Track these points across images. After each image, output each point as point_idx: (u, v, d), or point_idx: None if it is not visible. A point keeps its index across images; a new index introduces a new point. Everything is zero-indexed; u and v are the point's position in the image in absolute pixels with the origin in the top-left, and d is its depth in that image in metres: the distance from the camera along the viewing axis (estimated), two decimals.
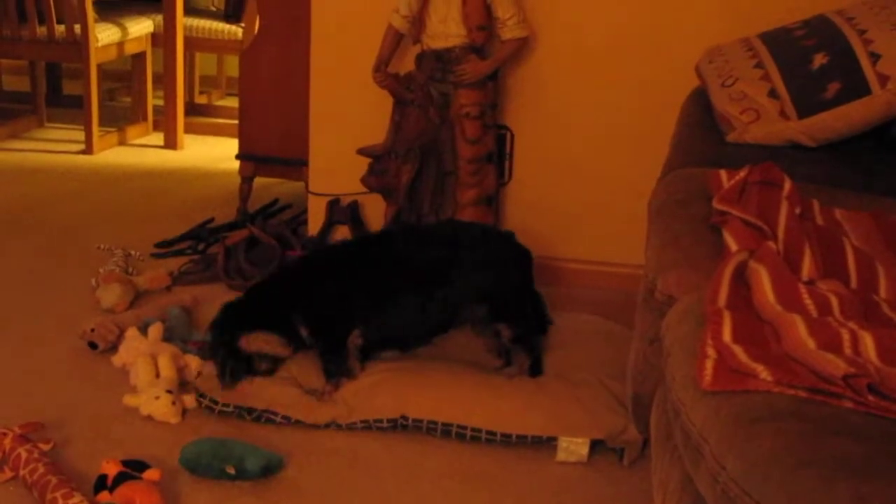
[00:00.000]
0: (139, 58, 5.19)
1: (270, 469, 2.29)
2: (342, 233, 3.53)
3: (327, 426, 2.50)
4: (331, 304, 2.58)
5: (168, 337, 2.80)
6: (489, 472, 2.37)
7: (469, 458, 2.42)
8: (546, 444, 2.43)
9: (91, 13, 4.68)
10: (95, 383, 2.68)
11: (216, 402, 2.51)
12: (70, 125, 5.20)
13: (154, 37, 5.13)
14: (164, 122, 5.05)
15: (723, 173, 2.11)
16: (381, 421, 2.49)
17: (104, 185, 4.44)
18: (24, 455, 2.20)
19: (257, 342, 2.56)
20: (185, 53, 5.10)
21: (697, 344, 1.51)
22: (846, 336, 1.48)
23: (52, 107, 5.39)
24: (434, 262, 2.59)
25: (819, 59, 2.54)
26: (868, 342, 1.46)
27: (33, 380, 2.69)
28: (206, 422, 2.50)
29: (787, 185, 2.01)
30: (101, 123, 4.92)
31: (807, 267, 1.76)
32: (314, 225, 3.59)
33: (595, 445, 2.42)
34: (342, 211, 3.51)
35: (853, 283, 1.75)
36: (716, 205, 1.98)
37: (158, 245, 3.65)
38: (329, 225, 3.54)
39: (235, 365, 2.54)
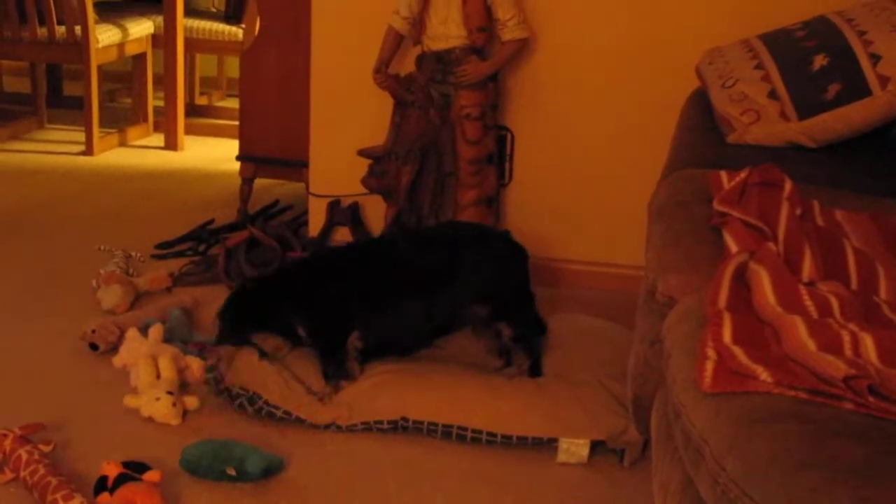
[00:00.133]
0: (140, 59, 5.20)
1: (271, 470, 2.29)
2: (343, 234, 3.53)
3: (327, 427, 2.50)
4: (329, 306, 2.58)
5: (169, 338, 2.80)
6: (490, 474, 2.37)
7: (469, 460, 2.42)
8: (546, 445, 2.44)
9: (91, 14, 4.68)
10: (96, 384, 2.68)
11: (221, 380, 2.52)
12: (70, 126, 5.20)
13: (154, 38, 5.13)
14: (164, 124, 5.05)
15: (723, 174, 2.11)
16: (381, 422, 2.49)
17: (105, 186, 4.44)
18: (24, 456, 2.20)
19: (260, 339, 2.61)
20: (186, 54, 5.10)
21: (698, 345, 1.51)
22: (846, 337, 1.48)
23: (52, 108, 5.39)
24: (434, 264, 2.60)
25: (819, 61, 2.54)
26: (868, 343, 1.46)
27: (34, 381, 2.69)
28: (206, 423, 2.51)
29: (788, 186, 2.01)
30: (102, 125, 4.93)
31: (807, 268, 1.76)
32: (315, 226, 3.60)
33: (595, 446, 2.42)
34: (343, 212, 3.51)
35: (853, 285, 1.75)
36: (716, 206, 1.98)
37: (159, 246, 3.65)
38: (329, 226, 3.54)
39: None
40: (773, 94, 2.57)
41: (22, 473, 2.18)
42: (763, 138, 2.54)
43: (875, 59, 2.47)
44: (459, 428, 2.46)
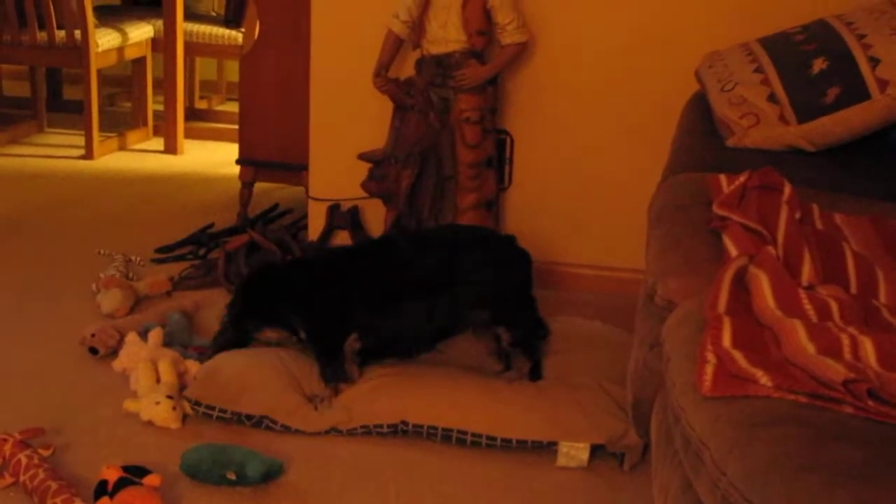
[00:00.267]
0: (139, 63, 5.20)
1: (271, 475, 2.29)
2: (342, 238, 3.53)
3: (327, 432, 2.50)
4: (328, 308, 2.58)
5: (168, 342, 2.80)
6: (489, 478, 2.37)
7: (469, 464, 2.42)
8: (546, 448, 2.43)
9: (91, 18, 4.69)
10: (96, 389, 2.68)
11: (213, 409, 2.51)
12: (70, 130, 5.20)
13: (154, 42, 5.14)
14: (164, 127, 5.06)
15: (722, 178, 2.11)
16: (381, 426, 2.49)
17: (104, 190, 4.44)
18: (24, 461, 2.20)
19: (264, 335, 2.65)
20: (186, 58, 5.10)
21: (697, 349, 1.51)
22: (846, 341, 1.48)
23: (52, 112, 5.39)
24: (436, 267, 2.60)
25: (819, 64, 2.54)
26: (868, 347, 1.46)
27: (34, 385, 2.69)
28: (206, 427, 2.50)
29: (787, 189, 2.01)
30: (102, 128, 4.93)
31: (806, 272, 1.76)
32: (314, 230, 3.60)
33: (595, 450, 2.42)
34: (342, 216, 3.51)
35: (853, 288, 1.75)
36: (716, 209, 1.98)
37: (159, 250, 3.65)
38: (329, 230, 3.55)
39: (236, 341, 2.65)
40: (772, 98, 2.57)
41: (21, 478, 2.18)
42: (762, 142, 2.55)
43: (874, 62, 2.47)
44: (459, 431, 2.46)
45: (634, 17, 3.26)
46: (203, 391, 2.53)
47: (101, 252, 3.56)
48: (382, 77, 3.20)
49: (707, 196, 2.09)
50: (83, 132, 4.85)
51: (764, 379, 1.38)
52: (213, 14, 5.48)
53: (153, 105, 5.25)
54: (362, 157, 3.28)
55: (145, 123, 5.26)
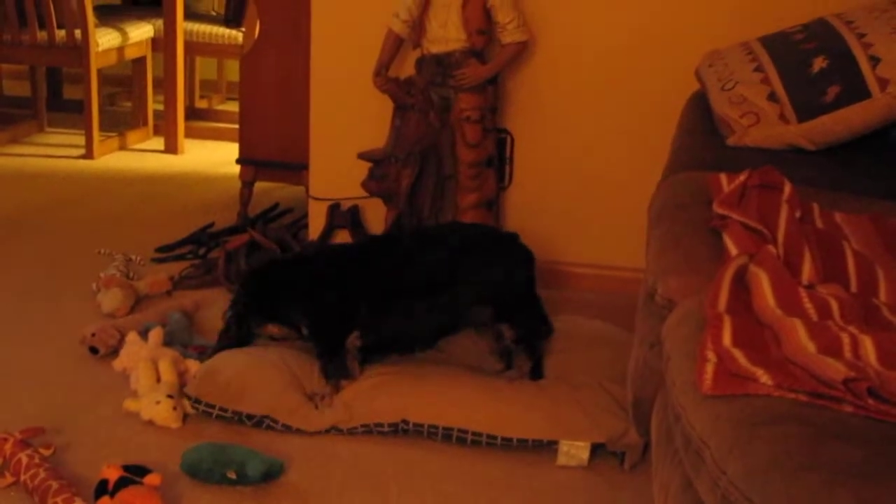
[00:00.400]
0: (139, 62, 5.20)
1: (271, 474, 2.29)
2: (343, 237, 3.53)
3: (328, 432, 2.50)
4: (330, 305, 2.58)
5: (169, 341, 2.80)
6: (490, 477, 2.37)
7: (470, 463, 2.42)
8: (547, 447, 2.44)
9: (91, 18, 4.69)
10: (96, 388, 2.68)
11: (213, 407, 2.51)
12: (70, 130, 5.21)
13: (154, 41, 5.14)
14: (164, 127, 5.06)
15: (723, 177, 2.11)
16: (381, 425, 2.49)
17: (105, 189, 4.44)
18: (24, 460, 2.20)
19: (267, 331, 2.66)
20: (186, 58, 5.10)
21: (698, 348, 1.51)
22: (846, 340, 1.48)
23: (52, 111, 5.39)
24: (438, 265, 2.60)
25: (819, 63, 2.54)
26: (868, 346, 1.46)
27: (34, 384, 2.69)
28: (206, 427, 2.50)
29: (787, 188, 2.01)
30: (102, 128, 4.93)
31: (807, 271, 1.76)
32: (315, 229, 3.60)
33: (596, 449, 2.42)
34: (343, 215, 3.51)
35: (853, 287, 1.75)
36: (716, 208, 1.98)
37: (159, 249, 3.65)
38: (330, 229, 3.55)
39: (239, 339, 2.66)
40: (772, 97, 2.57)
41: (22, 477, 2.18)
42: (762, 141, 2.55)
43: (874, 61, 2.47)
44: (460, 430, 2.46)
45: (635, 16, 3.26)
46: (203, 389, 2.53)
47: (102, 251, 3.56)
48: (382, 76, 3.20)
49: (707, 195, 2.09)
50: (83, 132, 4.85)
51: (764, 378, 1.38)
52: (214, 13, 5.48)
53: (153, 104, 5.26)
54: (362, 156, 3.28)
55: (145, 123, 5.26)
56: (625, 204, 3.31)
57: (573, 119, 3.36)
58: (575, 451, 2.41)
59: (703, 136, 2.65)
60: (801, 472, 1.20)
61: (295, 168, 3.80)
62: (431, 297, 2.57)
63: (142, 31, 5.07)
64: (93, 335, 2.83)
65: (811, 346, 1.45)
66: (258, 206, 4.04)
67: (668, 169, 2.50)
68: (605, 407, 2.46)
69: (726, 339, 1.52)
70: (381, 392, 2.52)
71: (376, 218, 3.43)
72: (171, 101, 4.97)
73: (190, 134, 5.16)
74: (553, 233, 3.43)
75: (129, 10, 5.40)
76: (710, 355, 1.48)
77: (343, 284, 2.61)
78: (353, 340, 2.57)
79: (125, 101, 5.81)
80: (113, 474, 2.13)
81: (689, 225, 2.02)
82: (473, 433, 2.45)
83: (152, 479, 2.15)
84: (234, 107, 4.62)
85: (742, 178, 2.05)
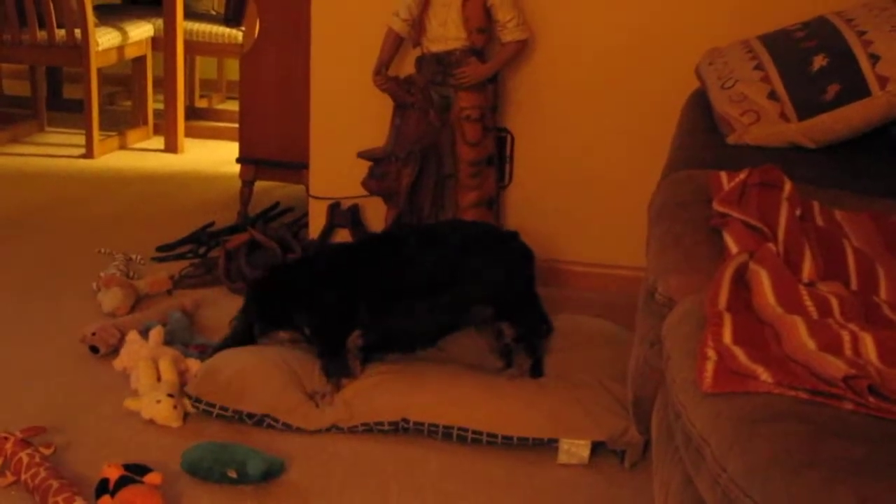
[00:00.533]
0: (139, 62, 5.20)
1: (272, 473, 2.29)
2: (343, 236, 3.53)
3: (328, 430, 2.50)
4: (331, 304, 2.58)
5: (169, 340, 2.80)
6: (490, 475, 2.37)
7: (470, 461, 2.42)
8: (547, 446, 2.44)
9: (91, 17, 4.69)
10: (97, 387, 2.68)
11: (213, 406, 2.51)
12: (71, 129, 5.21)
13: (154, 41, 5.14)
14: (164, 126, 5.06)
15: (723, 175, 2.11)
16: (382, 424, 2.49)
17: (105, 189, 4.44)
18: (25, 459, 2.20)
19: (277, 337, 2.67)
20: (186, 57, 5.10)
21: (698, 346, 1.51)
22: (847, 337, 1.48)
23: (52, 111, 5.39)
24: (439, 263, 2.60)
25: (819, 61, 2.54)
26: (869, 343, 1.46)
27: (35, 384, 2.69)
28: (207, 426, 2.51)
29: (788, 186, 2.01)
30: (102, 127, 4.93)
31: (807, 268, 1.76)
32: (315, 228, 3.60)
33: (596, 447, 2.42)
34: (343, 214, 3.51)
35: (853, 285, 1.75)
36: (716, 207, 1.98)
37: (159, 249, 3.65)
38: (330, 228, 3.55)
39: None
40: (772, 95, 2.57)
41: (23, 477, 2.18)
42: (763, 139, 2.55)
43: (874, 59, 2.47)
44: (460, 429, 2.46)
45: (635, 15, 3.26)
46: (204, 388, 2.53)
47: (102, 251, 3.57)
48: (383, 75, 3.20)
49: (707, 193, 2.09)
50: (83, 131, 4.85)
51: (764, 375, 1.38)
52: (213, 13, 5.48)
53: (153, 104, 5.26)
54: (362, 155, 3.28)
55: (145, 122, 5.26)
56: (625, 202, 3.31)
57: (573, 118, 3.36)
58: (575, 450, 2.41)
59: (703, 135, 2.64)
60: (801, 470, 1.20)
61: (295, 167, 3.80)
62: (432, 296, 2.58)
63: (142, 31, 5.07)
64: (93, 334, 2.83)
65: (811, 344, 1.45)
66: (258, 206, 4.04)
67: (668, 167, 2.49)
68: (606, 405, 2.46)
69: (727, 336, 1.52)
70: (382, 391, 2.53)
71: (376, 217, 3.43)
72: (171, 101, 4.97)
73: (190, 133, 5.16)
74: (553, 231, 3.43)
75: (128, 10, 5.40)
76: (711, 353, 1.48)
77: (343, 284, 2.61)
78: (355, 339, 2.57)
79: (125, 100, 5.81)
80: (114, 473, 2.14)
81: (689, 223, 2.02)
82: (474, 432, 2.46)
83: (153, 478, 2.16)
84: (234, 106, 4.62)
85: (742, 176, 2.05)
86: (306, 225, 3.70)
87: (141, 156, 4.99)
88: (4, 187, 4.37)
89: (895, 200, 2.17)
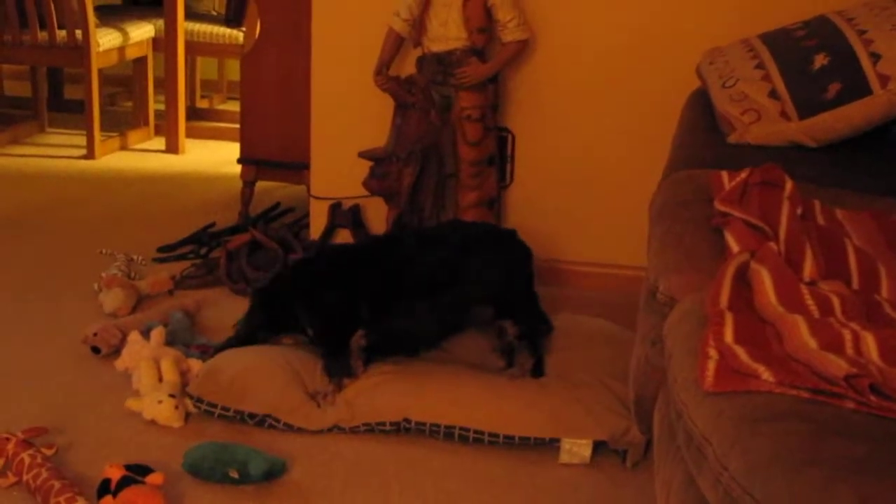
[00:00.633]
0: (140, 62, 5.20)
1: (273, 473, 2.29)
2: (344, 236, 3.53)
3: (330, 430, 2.50)
4: (333, 305, 2.59)
5: (171, 341, 2.80)
6: (492, 475, 2.37)
7: (472, 461, 2.42)
8: (549, 445, 2.44)
9: (92, 18, 4.69)
10: (98, 388, 2.68)
11: (215, 406, 2.51)
12: (71, 130, 5.21)
13: (155, 41, 5.14)
14: (165, 127, 5.06)
15: (724, 174, 2.11)
16: (383, 424, 2.49)
17: (106, 190, 4.44)
18: (27, 460, 2.20)
19: (283, 342, 2.69)
20: (187, 58, 5.10)
21: (699, 345, 1.51)
22: (848, 336, 1.48)
23: (53, 112, 5.40)
24: (440, 264, 2.60)
25: (820, 60, 2.54)
26: (870, 342, 1.46)
27: (36, 384, 2.69)
28: (209, 426, 2.51)
29: (789, 185, 2.01)
30: (103, 128, 4.93)
31: (808, 267, 1.76)
32: (316, 228, 3.60)
33: (598, 447, 2.42)
34: (344, 214, 3.51)
35: (855, 284, 1.75)
36: (717, 206, 1.98)
37: (160, 249, 3.65)
38: (331, 228, 3.55)
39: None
40: (773, 94, 2.57)
41: (25, 477, 2.18)
42: (764, 138, 2.55)
43: (875, 58, 2.47)
44: (461, 429, 2.46)
45: (635, 14, 3.26)
46: (205, 388, 2.53)
47: (103, 251, 3.57)
48: (383, 75, 3.20)
49: (708, 193, 2.09)
50: (84, 132, 4.86)
51: (766, 374, 1.38)
52: (214, 13, 5.48)
53: (154, 104, 5.26)
54: (363, 155, 3.28)
55: (146, 123, 5.26)
56: (626, 202, 3.31)
57: (574, 117, 3.36)
58: (577, 449, 2.41)
59: (704, 134, 2.64)
60: (802, 469, 1.20)
61: (296, 167, 3.80)
62: (433, 296, 2.58)
63: (142, 31, 5.07)
64: (95, 335, 2.83)
65: (813, 343, 1.45)
66: (259, 206, 4.04)
67: (669, 167, 2.49)
68: (607, 405, 2.46)
69: (728, 335, 1.52)
70: (383, 391, 2.53)
71: (377, 217, 3.43)
72: (171, 101, 4.97)
73: (191, 134, 5.16)
74: (554, 231, 3.43)
75: (129, 10, 5.40)
76: (712, 352, 1.48)
77: (345, 284, 2.61)
78: (358, 340, 2.57)
79: (126, 101, 5.81)
80: (115, 474, 2.14)
81: (690, 223, 2.02)
82: (475, 431, 2.46)
83: (155, 478, 2.16)
84: (234, 106, 4.62)
85: (743, 175, 2.05)
86: (307, 225, 3.70)
87: (142, 156, 4.99)
88: (5, 188, 4.37)
89: None
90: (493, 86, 3.22)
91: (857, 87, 2.47)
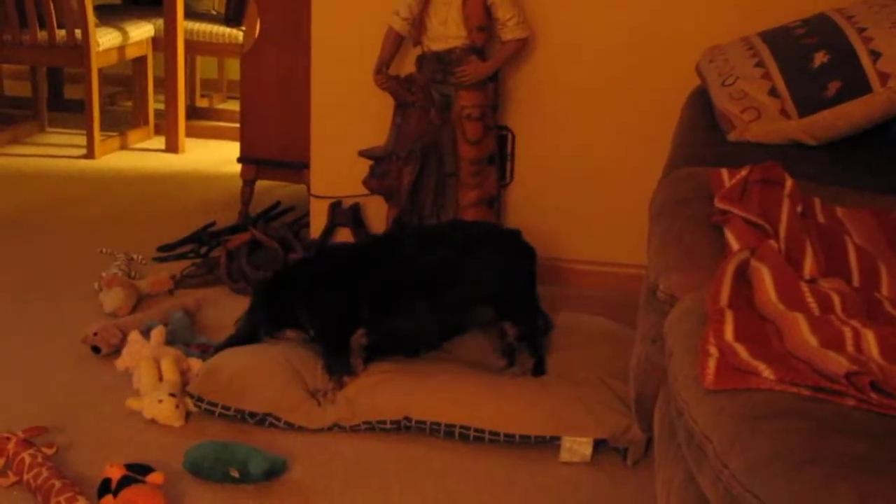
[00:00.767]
0: (140, 62, 5.20)
1: (274, 472, 2.29)
2: (344, 235, 3.53)
3: (330, 429, 2.50)
4: (334, 303, 2.59)
5: (171, 340, 2.80)
6: (493, 473, 2.37)
7: (472, 459, 2.42)
8: (549, 444, 2.44)
9: (92, 18, 4.69)
10: (98, 387, 2.68)
11: (215, 405, 2.51)
12: (71, 130, 5.21)
13: (155, 41, 5.14)
14: (165, 126, 5.06)
15: (724, 172, 2.11)
16: (384, 422, 2.49)
17: (106, 189, 4.44)
18: (27, 459, 2.20)
19: (287, 336, 2.68)
20: (186, 57, 5.10)
21: (700, 343, 1.51)
22: (848, 334, 1.48)
23: (53, 111, 5.40)
24: (442, 264, 2.60)
25: (819, 58, 2.54)
26: (870, 340, 1.46)
27: (36, 384, 2.69)
28: (209, 425, 2.51)
29: (789, 183, 2.01)
30: (103, 128, 4.93)
31: (808, 265, 1.76)
32: (316, 227, 3.60)
33: (598, 445, 2.42)
34: (344, 213, 3.51)
35: (855, 281, 1.75)
36: (717, 204, 1.98)
37: (160, 249, 3.65)
38: (331, 227, 3.55)
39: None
40: (773, 92, 2.57)
41: (25, 477, 2.18)
42: (764, 136, 2.55)
43: (875, 56, 2.47)
44: (462, 427, 2.46)
45: (635, 13, 3.25)
46: (205, 387, 2.53)
47: (103, 251, 3.57)
48: (383, 74, 3.20)
49: (709, 190, 2.09)
50: (84, 131, 4.86)
51: (766, 372, 1.38)
52: (214, 13, 5.48)
53: (154, 104, 5.26)
54: (363, 154, 3.28)
55: (146, 122, 5.26)
56: (626, 200, 3.31)
57: (574, 116, 3.36)
58: (577, 448, 2.41)
59: (704, 132, 2.64)
60: (803, 466, 1.20)
61: (296, 166, 3.80)
62: (435, 296, 2.58)
63: (142, 31, 5.07)
64: (95, 334, 2.83)
65: (813, 341, 1.45)
66: (259, 205, 4.04)
67: (669, 165, 2.49)
68: (608, 403, 2.46)
69: (728, 333, 1.52)
70: (384, 389, 2.53)
71: (378, 216, 3.43)
72: (171, 101, 4.97)
73: (191, 133, 5.16)
74: (554, 230, 3.43)
75: (129, 10, 5.40)
76: (713, 350, 1.48)
77: (346, 283, 2.61)
78: (359, 338, 2.57)
79: (126, 100, 5.81)
80: (116, 473, 2.14)
81: (690, 221, 2.02)
82: (476, 430, 2.46)
83: (155, 477, 2.16)
84: (234, 106, 4.62)
85: (743, 173, 2.05)
86: (307, 224, 3.70)
87: (142, 156, 4.99)
88: (5, 188, 4.37)
89: None
90: (493, 84, 3.22)
91: (857, 85, 2.47)
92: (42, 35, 4.71)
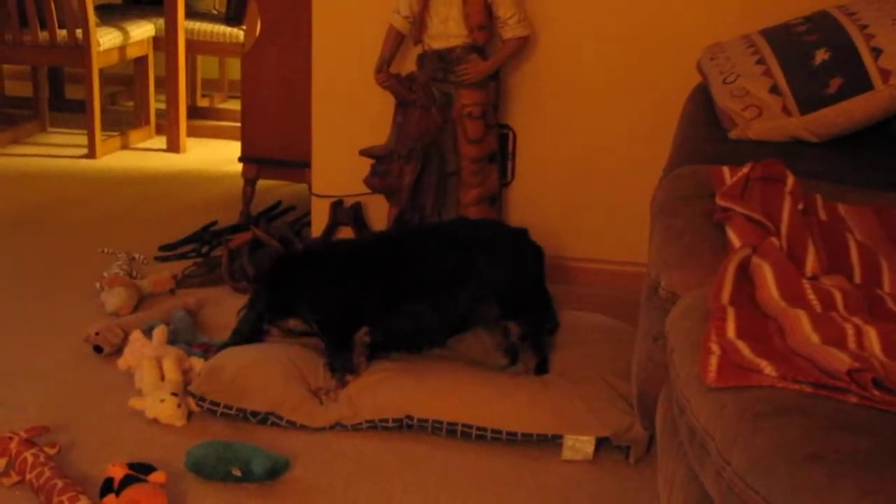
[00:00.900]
0: (141, 61, 5.20)
1: (276, 471, 2.29)
2: (345, 234, 3.53)
3: (332, 428, 2.50)
4: (337, 301, 2.58)
5: (173, 340, 2.80)
6: (495, 471, 2.37)
7: (475, 458, 2.42)
8: (552, 442, 2.44)
9: (93, 17, 4.69)
10: (101, 387, 2.68)
11: (217, 404, 2.51)
12: (73, 130, 5.21)
13: (156, 40, 5.14)
14: (166, 126, 5.06)
15: (725, 170, 2.11)
16: (386, 421, 2.49)
17: (107, 189, 4.44)
18: (30, 459, 2.20)
19: (290, 325, 2.68)
20: (187, 57, 5.10)
21: (701, 340, 1.51)
22: (850, 331, 1.48)
23: (54, 111, 5.40)
24: (447, 262, 2.60)
25: (821, 55, 2.54)
26: (872, 337, 1.46)
27: (38, 384, 2.69)
28: (211, 424, 2.51)
29: (790, 180, 2.01)
30: (104, 128, 4.93)
31: (810, 262, 1.76)
32: (317, 227, 3.60)
33: (601, 443, 2.42)
34: (345, 212, 3.51)
35: (857, 278, 1.75)
36: (719, 201, 1.98)
37: (162, 248, 3.65)
38: (332, 226, 3.55)
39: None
40: (774, 89, 2.57)
41: (28, 476, 2.18)
42: (765, 133, 2.54)
43: (876, 53, 2.47)
44: (464, 425, 2.46)
45: (636, 11, 3.25)
46: (207, 387, 2.53)
47: (105, 251, 3.57)
48: (384, 73, 3.20)
49: (710, 188, 2.09)
50: (85, 131, 4.86)
51: (768, 369, 1.38)
52: (215, 12, 5.48)
53: (155, 103, 5.26)
54: (364, 153, 3.28)
55: (147, 122, 5.26)
56: (627, 198, 3.31)
57: (575, 114, 3.36)
58: (580, 446, 2.41)
59: (705, 130, 2.64)
60: (805, 463, 1.20)
61: (297, 165, 3.80)
62: (440, 294, 2.57)
63: (143, 31, 5.07)
64: (97, 334, 2.83)
65: (815, 338, 1.45)
66: (261, 204, 4.04)
67: (670, 163, 2.49)
68: (610, 401, 2.46)
69: (730, 331, 1.52)
70: (386, 388, 2.53)
71: (379, 214, 3.43)
72: (172, 100, 4.97)
73: (192, 133, 5.16)
74: (555, 228, 3.43)
75: (130, 10, 5.40)
76: (714, 347, 1.48)
77: (349, 280, 2.61)
78: (362, 336, 2.57)
79: (127, 100, 5.81)
80: (118, 472, 2.14)
81: (691, 218, 2.02)
82: (478, 428, 2.45)
83: (157, 476, 2.16)
84: (235, 105, 4.62)
85: (745, 170, 2.05)
86: (309, 223, 3.70)
87: (143, 155, 4.99)
88: (7, 188, 4.37)
89: None
90: (494, 83, 3.22)
91: (858, 82, 2.46)
92: (43, 35, 4.71)
